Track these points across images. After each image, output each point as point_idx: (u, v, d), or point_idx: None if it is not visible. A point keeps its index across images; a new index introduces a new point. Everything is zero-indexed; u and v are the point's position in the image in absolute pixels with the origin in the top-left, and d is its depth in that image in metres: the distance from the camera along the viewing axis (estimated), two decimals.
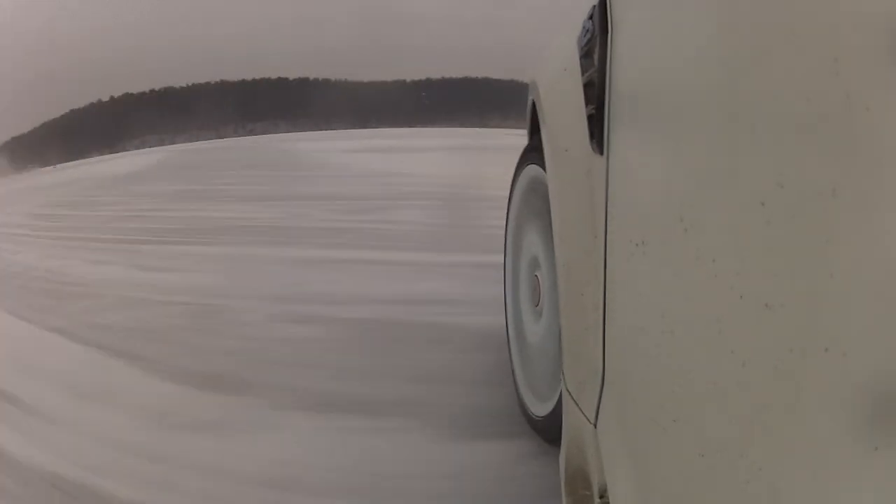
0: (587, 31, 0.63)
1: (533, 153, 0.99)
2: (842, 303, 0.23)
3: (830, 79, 0.22)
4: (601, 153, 0.51)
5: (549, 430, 0.85)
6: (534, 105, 0.96)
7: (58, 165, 10.90)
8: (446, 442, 1.00)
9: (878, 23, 0.21)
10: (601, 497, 0.46)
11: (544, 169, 0.79)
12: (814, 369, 0.24)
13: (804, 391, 0.24)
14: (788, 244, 0.25)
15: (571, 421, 0.57)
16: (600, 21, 0.53)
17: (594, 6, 0.58)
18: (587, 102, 0.61)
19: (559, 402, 0.71)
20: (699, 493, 0.32)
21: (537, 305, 0.95)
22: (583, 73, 0.66)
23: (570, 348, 0.59)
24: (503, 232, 1.20)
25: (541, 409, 0.89)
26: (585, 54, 0.64)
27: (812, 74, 0.24)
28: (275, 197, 4.42)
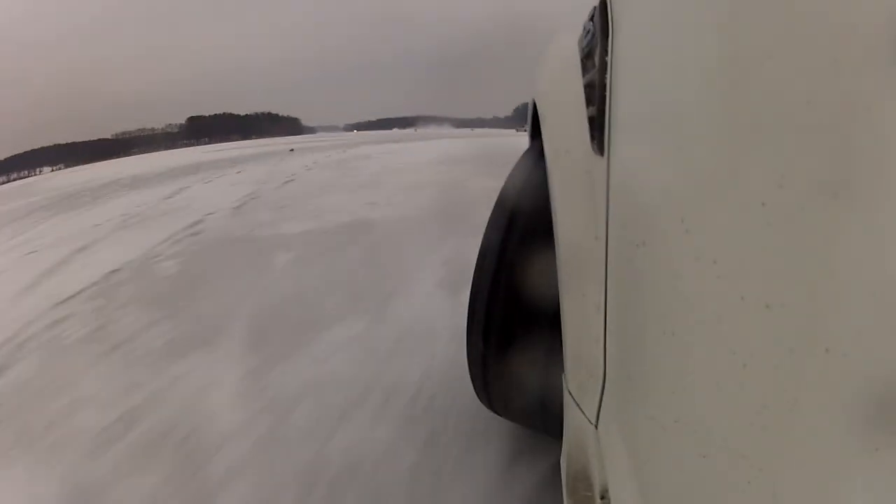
0: (588, 31, 0.63)
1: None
2: (842, 303, 0.23)
3: (831, 79, 0.23)
4: (602, 154, 0.51)
5: None
6: (535, 106, 0.96)
7: None
8: None
9: (878, 23, 0.21)
10: (602, 498, 0.46)
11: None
12: (814, 370, 0.24)
13: (804, 391, 0.24)
14: (789, 244, 0.25)
15: (572, 422, 0.57)
16: (601, 22, 0.53)
17: (595, 7, 0.58)
18: (588, 103, 0.61)
19: None
20: (700, 494, 0.32)
21: None
22: (584, 74, 0.66)
23: (572, 349, 0.58)
24: None
25: None
26: (586, 55, 0.64)
27: (812, 75, 0.24)
28: None
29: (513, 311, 0.90)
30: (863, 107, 0.21)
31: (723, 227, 0.30)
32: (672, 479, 0.35)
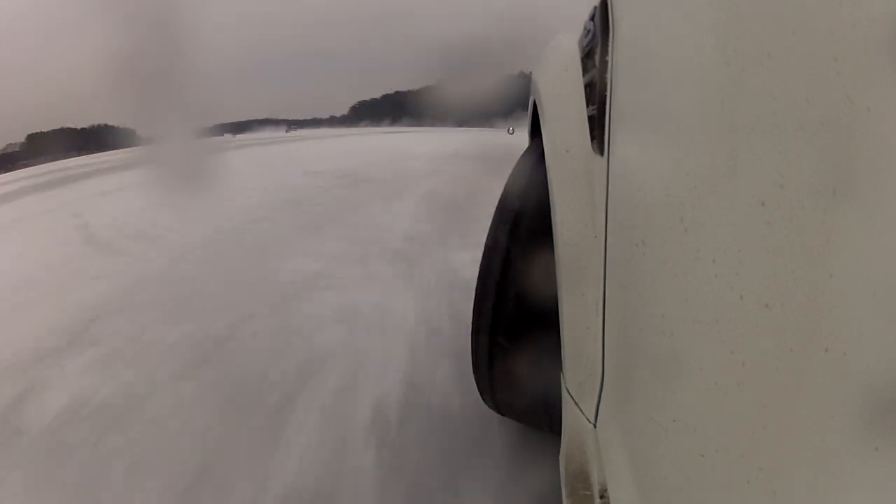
0: (588, 31, 0.63)
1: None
2: (842, 303, 0.22)
3: (831, 79, 0.22)
4: (602, 154, 0.51)
5: None
6: (535, 105, 0.96)
7: None
8: None
9: (878, 23, 0.21)
10: (601, 497, 0.46)
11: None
12: (814, 369, 0.24)
13: (804, 391, 0.24)
14: (788, 244, 0.25)
15: (571, 421, 0.57)
16: (601, 21, 0.53)
17: (595, 7, 0.58)
18: (588, 103, 0.61)
19: None
20: (699, 494, 0.32)
21: None
22: (584, 74, 0.66)
23: (570, 348, 0.58)
24: None
25: None
26: (587, 55, 0.64)
27: (812, 74, 0.24)
28: None
29: (518, 312, 0.90)
30: (863, 107, 0.21)
31: (722, 227, 0.29)
32: (671, 479, 0.35)
